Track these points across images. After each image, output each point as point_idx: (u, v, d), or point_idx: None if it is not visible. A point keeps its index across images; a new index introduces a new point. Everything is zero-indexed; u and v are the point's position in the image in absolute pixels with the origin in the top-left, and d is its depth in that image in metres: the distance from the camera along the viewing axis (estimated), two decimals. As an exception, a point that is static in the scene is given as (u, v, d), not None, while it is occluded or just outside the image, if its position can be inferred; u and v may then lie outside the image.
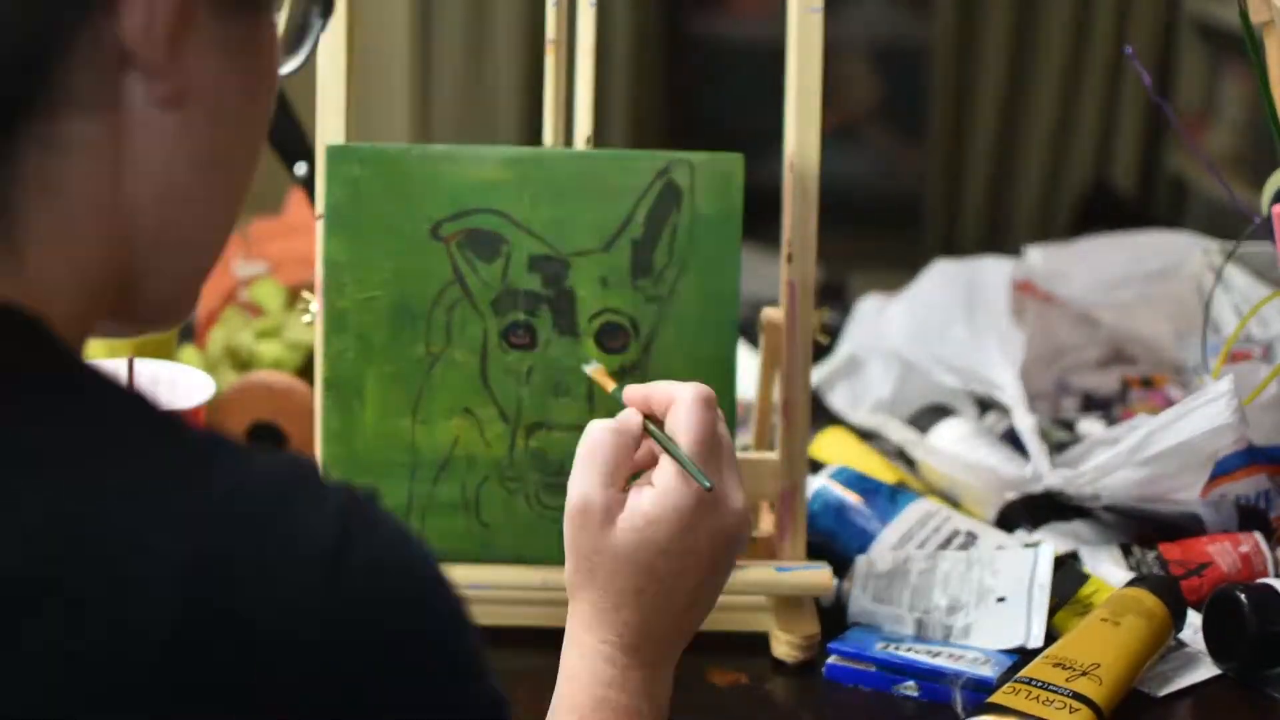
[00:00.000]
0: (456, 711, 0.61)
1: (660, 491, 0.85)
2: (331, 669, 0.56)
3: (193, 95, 0.62)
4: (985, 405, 1.46)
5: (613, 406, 0.92)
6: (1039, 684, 1.01)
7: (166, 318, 0.69)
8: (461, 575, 1.07)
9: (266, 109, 0.68)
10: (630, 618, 0.86)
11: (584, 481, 0.86)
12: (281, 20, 0.69)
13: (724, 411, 1.06)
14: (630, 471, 0.88)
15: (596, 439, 0.87)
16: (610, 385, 0.98)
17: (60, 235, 0.61)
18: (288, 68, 0.72)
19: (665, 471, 0.86)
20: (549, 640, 1.10)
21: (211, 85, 0.63)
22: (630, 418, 0.89)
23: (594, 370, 1.01)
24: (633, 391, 0.90)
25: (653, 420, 0.89)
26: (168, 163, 0.62)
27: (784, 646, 1.09)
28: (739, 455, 1.08)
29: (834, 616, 1.12)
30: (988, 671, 1.04)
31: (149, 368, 1.11)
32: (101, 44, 0.59)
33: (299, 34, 0.72)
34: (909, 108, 3.91)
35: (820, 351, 1.20)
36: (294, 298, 1.51)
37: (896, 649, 1.07)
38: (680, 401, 0.88)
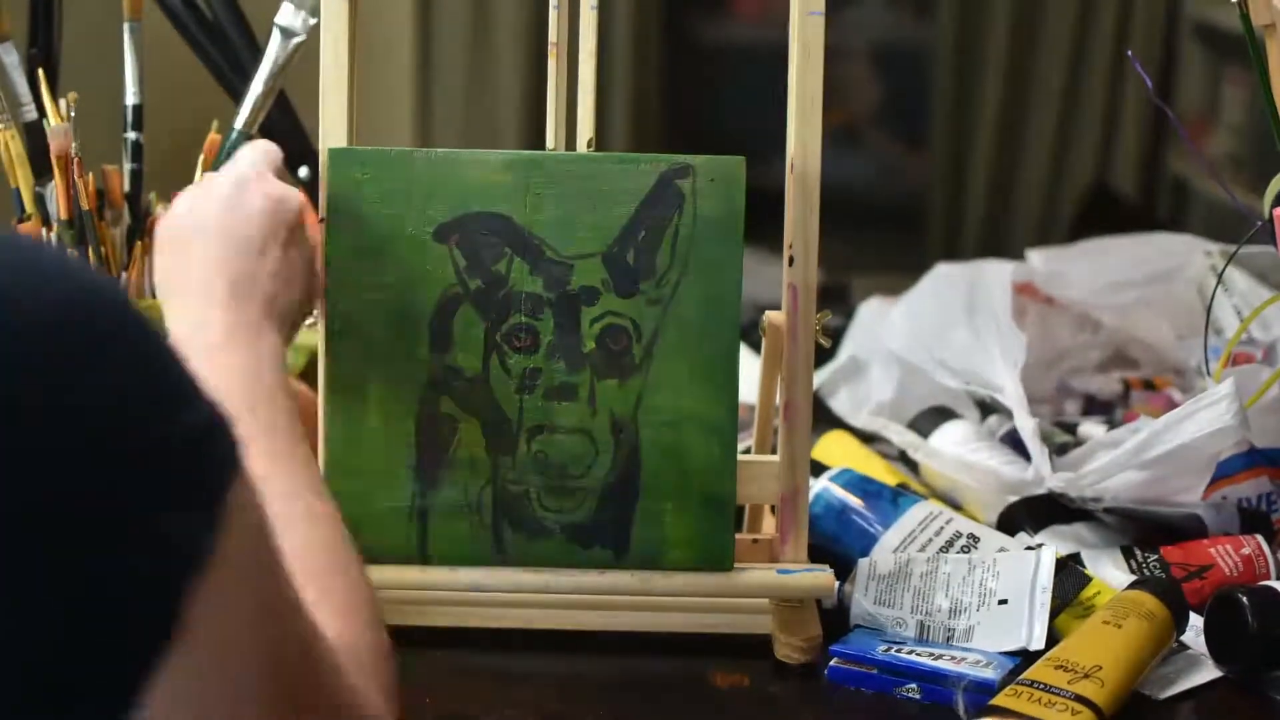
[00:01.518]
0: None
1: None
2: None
3: None
4: (987, 408, 1.46)
5: None
6: (1041, 686, 1.01)
7: None
8: (464, 577, 1.08)
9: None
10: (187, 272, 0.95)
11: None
12: None
13: (726, 414, 1.07)
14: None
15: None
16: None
17: None
18: None
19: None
20: (551, 641, 1.11)
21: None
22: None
23: None
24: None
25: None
26: None
27: (786, 649, 1.09)
28: (740, 458, 1.08)
29: (836, 619, 1.12)
30: (989, 674, 1.04)
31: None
32: None
33: None
34: (910, 111, 3.92)
35: (822, 354, 1.20)
36: (296, 301, 1.51)
37: (898, 651, 1.07)
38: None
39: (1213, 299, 1.43)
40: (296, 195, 1.00)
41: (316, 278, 1.03)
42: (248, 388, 0.89)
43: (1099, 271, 1.56)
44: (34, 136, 1.26)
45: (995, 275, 1.52)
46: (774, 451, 1.12)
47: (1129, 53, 1.26)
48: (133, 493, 0.59)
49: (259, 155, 1.03)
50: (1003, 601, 1.11)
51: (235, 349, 0.91)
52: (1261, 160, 3.05)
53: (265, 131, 1.28)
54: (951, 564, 1.14)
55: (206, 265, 0.94)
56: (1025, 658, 1.07)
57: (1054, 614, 1.11)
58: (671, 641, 1.11)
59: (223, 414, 0.64)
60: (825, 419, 1.48)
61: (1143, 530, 1.23)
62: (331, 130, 1.10)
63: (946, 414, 1.41)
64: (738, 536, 1.11)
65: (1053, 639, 1.09)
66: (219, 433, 0.63)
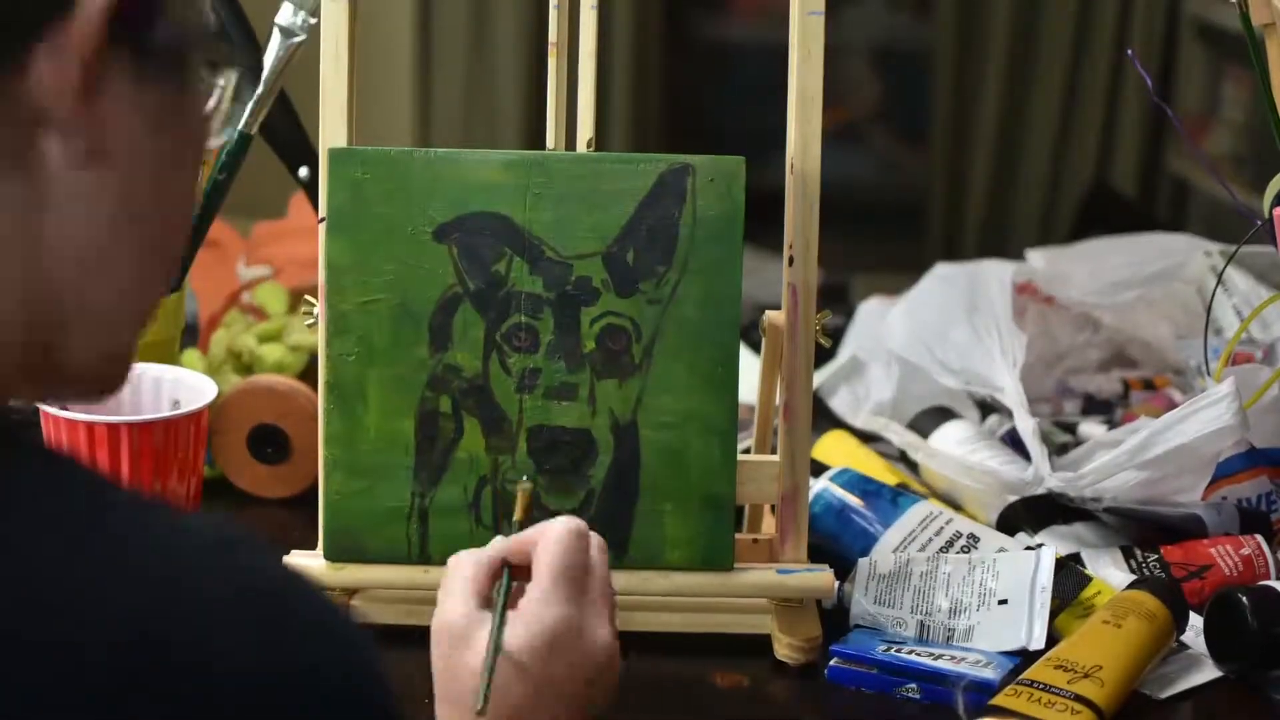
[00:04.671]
0: None
1: (518, 619, 0.85)
2: None
3: (112, 155, 0.61)
4: (987, 408, 1.46)
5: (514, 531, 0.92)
6: (1041, 686, 1.01)
7: (94, 388, 0.67)
8: (464, 578, 1.07)
9: (192, 178, 0.67)
10: None
11: (443, 604, 0.87)
12: (215, 92, 0.68)
13: (726, 414, 1.07)
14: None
15: (456, 562, 0.88)
16: (520, 513, 0.96)
17: None
18: (217, 140, 0.71)
19: (526, 600, 0.86)
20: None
21: (131, 148, 0.62)
22: (491, 549, 0.89)
23: (522, 487, 0.97)
24: (510, 542, 0.90)
25: (516, 571, 0.88)
26: (87, 224, 0.61)
27: (786, 649, 1.09)
28: (740, 458, 1.08)
29: (836, 619, 1.12)
30: (989, 674, 1.04)
31: (152, 371, 1.12)
32: (14, 101, 0.59)
33: (231, 106, 0.71)
34: (910, 110, 3.91)
35: (822, 354, 1.20)
36: (296, 301, 1.51)
37: (898, 651, 1.07)
38: (546, 532, 0.88)
39: (1212, 299, 1.43)
40: (611, 642, 0.87)
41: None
42: None
43: (1099, 271, 1.56)
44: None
45: (995, 275, 1.52)
46: (774, 451, 1.12)
47: (1129, 52, 1.26)
48: None
49: (569, 562, 0.86)
50: (1003, 601, 1.11)
51: None
52: (1261, 160, 3.05)
53: (266, 131, 1.28)
54: (951, 564, 1.14)
55: None
56: (1025, 658, 1.07)
57: (1054, 614, 1.11)
58: (671, 641, 1.11)
59: None
60: (825, 419, 1.48)
61: (1143, 530, 1.23)
62: (331, 130, 1.10)
63: (946, 414, 1.41)
64: (738, 536, 1.11)
65: (1053, 639, 1.09)
66: None
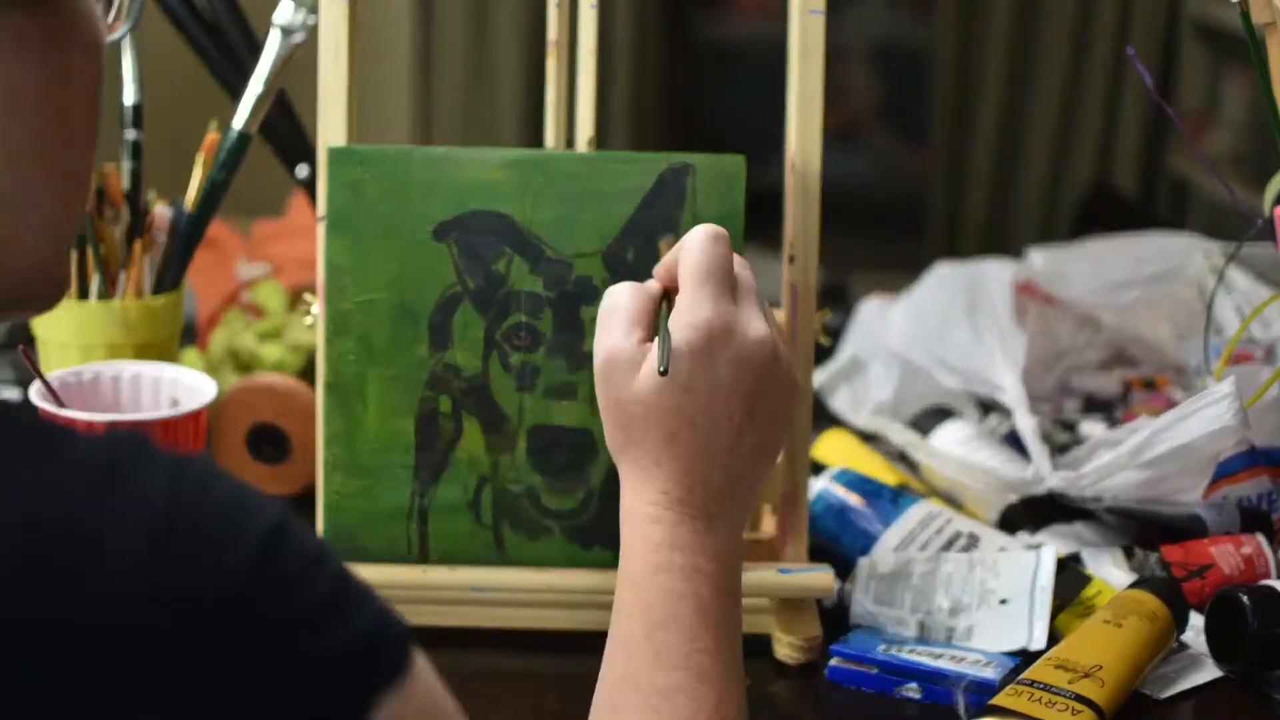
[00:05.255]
0: (317, 655, 0.60)
1: (674, 331, 0.86)
2: (162, 634, 0.56)
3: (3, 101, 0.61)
4: (987, 407, 1.46)
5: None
6: (1041, 686, 1.01)
7: (21, 307, 0.69)
8: (463, 577, 1.08)
9: (85, 98, 0.66)
10: (670, 469, 0.85)
11: (605, 337, 0.87)
12: None
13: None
14: (651, 328, 0.88)
15: (616, 297, 0.89)
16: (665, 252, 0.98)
17: None
18: (115, 35, 0.70)
19: (677, 311, 0.87)
20: (552, 642, 1.11)
21: (5, 75, 0.62)
22: (650, 283, 0.91)
23: (665, 240, 1.02)
24: (659, 267, 0.93)
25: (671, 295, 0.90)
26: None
27: (786, 648, 1.09)
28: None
29: (836, 618, 1.12)
30: (990, 673, 1.04)
31: (151, 370, 1.11)
32: None
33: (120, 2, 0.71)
34: (910, 109, 3.92)
35: (822, 353, 1.20)
36: (296, 299, 1.51)
37: (898, 651, 1.07)
38: (684, 244, 0.90)
39: (1213, 298, 1.43)
40: (769, 336, 0.86)
41: (790, 410, 0.90)
42: (695, 618, 0.83)
43: (1099, 271, 1.56)
44: (33, 135, 1.26)
45: (996, 274, 1.52)
46: (774, 451, 1.12)
47: (1130, 51, 1.25)
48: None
49: (715, 265, 0.87)
50: (1003, 601, 1.11)
51: (676, 572, 0.83)
52: (1262, 159, 3.05)
53: (265, 131, 1.28)
54: (952, 563, 1.14)
55: (666, 461, 0.85)
56: (1025, 657, 1.07)
57: (1054, 613, 1.11)
58: (671, 641, 1.11)
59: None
60: (825, 418, 1.48)
61: (1143, 530, 1.23)
62: (331, 129, 1.10)
63: (947, 413, 1.41)
64: (738, 536, 1.11)
65: (1053, 638, 1.09)
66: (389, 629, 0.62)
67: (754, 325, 0.87)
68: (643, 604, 0.84)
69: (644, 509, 0.85)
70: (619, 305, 0.89)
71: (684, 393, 0.84)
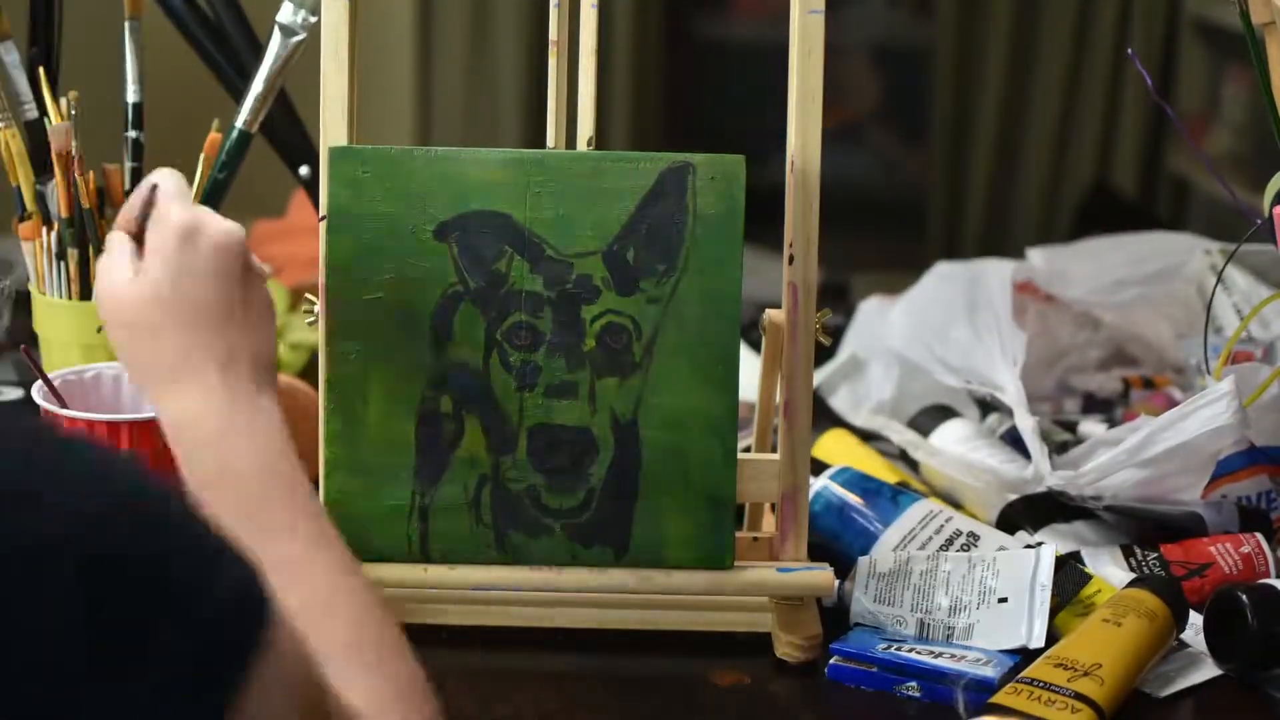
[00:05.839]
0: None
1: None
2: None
3: None
4: (987, 406, 1.46)
5: None
6: (1041, 684, 1.01)
7: None
8: (464, 576, 1.08)
9: None
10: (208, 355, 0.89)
11: (109, 275, 0.92)
12: None
13: (726, 413, 1.07)
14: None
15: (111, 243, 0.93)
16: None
17: None
18: None
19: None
20: (552, 641, 1.11)
21: None
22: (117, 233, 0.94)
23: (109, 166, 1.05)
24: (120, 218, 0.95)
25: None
26: None
27: (786, 647, 1.09)
28: (741, 457, 1.08)
29: (836, 617, 1.12)
30: (989, 672, 1.04)
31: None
32: None
33: None
34: (910, 109, 3.91)
35: (822, 353, 1.20)
36: (297, 299, 1.51)
37: (898, 649, 1.07)
38: (152, 179, 0.94)
39: (1212, 297, 1.43)
40: (237, 227, 0.92)
41: (273, 303, 0.96)
42: (264, 471, 0.87)
43: (1099, 270, 1.56)
44: (35, 135, 1.26)
45: (995, 274, 1.52)
46: (774, 450, 1.12)
47: (1129, 51, 1.26)
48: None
49: (182, 189, 0.94)
50: (1003, 599, 1.11)
51: (239, 433, 0.88)
52: (1261, 158, 3.05)
53: (266, 130, 1.28)
54: (951, 562, 1.14)
55: (185, 347, 0.89)
56: (1025, 656, 1.07)
57: (1054, 612, 1.11)
58: (672, 640, 1.11)
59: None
60: (825, 417, 1.48)
61: (1143, 528, 1.23)
62: (332, 129, 1.10)
63: (946, 412, 1.41)
64: (738, 535, 1.12)
65: (1053, 637, 1.09)
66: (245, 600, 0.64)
67: (226, 222, 0.92)
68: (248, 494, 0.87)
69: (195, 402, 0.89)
70: (116, 245, 0.92)
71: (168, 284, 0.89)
